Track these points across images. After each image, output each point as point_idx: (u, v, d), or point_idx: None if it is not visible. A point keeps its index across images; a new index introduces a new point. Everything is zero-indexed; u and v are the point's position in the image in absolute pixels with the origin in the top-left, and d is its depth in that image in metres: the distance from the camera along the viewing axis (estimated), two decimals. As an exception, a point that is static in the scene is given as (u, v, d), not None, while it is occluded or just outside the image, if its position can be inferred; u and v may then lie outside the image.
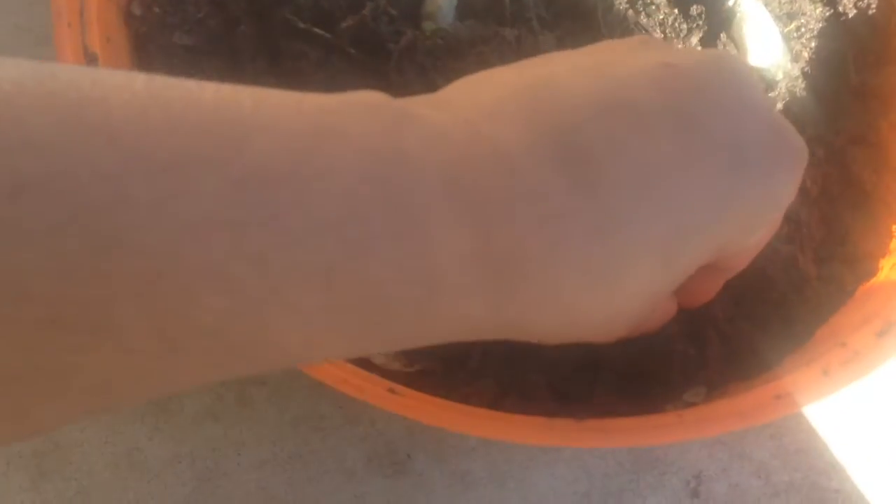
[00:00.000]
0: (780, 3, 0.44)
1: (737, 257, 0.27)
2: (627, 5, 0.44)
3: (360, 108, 0.19)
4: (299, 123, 0.17)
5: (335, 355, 0.20)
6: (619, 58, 0.24)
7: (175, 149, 0.15)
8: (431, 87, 0.40)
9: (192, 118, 0.15)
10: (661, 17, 0.44)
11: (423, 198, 0.18)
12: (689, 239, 0.23)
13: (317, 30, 0.41)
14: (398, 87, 0.40)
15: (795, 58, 0.44)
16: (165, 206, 0.14)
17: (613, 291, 0.22)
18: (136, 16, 0.40)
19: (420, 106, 0.21)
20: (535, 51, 0.42)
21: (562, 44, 0.43)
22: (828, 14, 0.44)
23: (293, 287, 0.16)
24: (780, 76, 0.43)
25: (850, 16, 0.44)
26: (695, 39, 0.44)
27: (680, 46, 0.43)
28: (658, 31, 0.43)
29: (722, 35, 0.43)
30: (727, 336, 0.39)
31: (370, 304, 0.18)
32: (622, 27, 0.43)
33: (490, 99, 0.22)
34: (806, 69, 0.44)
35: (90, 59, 0.35)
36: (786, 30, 0.44)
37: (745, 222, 0.24)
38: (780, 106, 0.43)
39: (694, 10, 0.44)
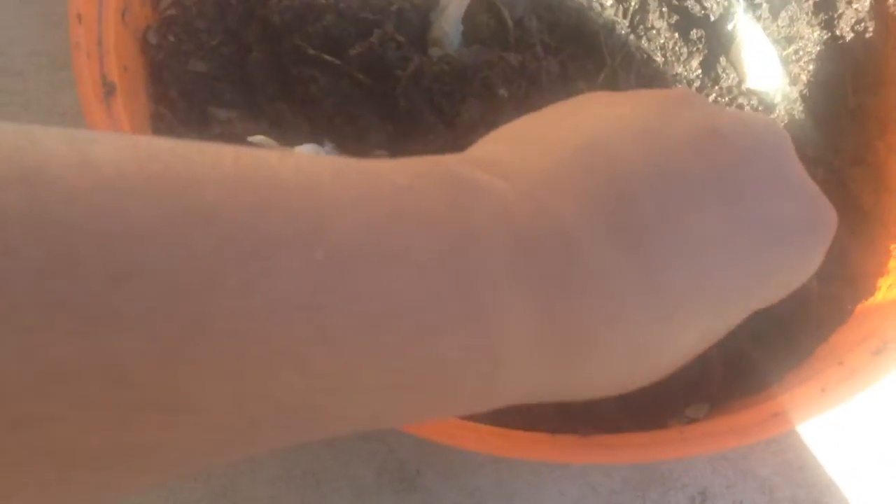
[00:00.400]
0: (778, 26, 0.45)
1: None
2: (629, 30, 0.45)
3: (429, 182, 0.19)
4: (376, 206, 0.18)
5: (398, 424, 0.21)
6: (665, 118, 0.25)
7: (262, 233, 0.15)
8: (438, 112, 0.42)
9: (276, 201, 0.16)
10: (662, 41, 0.45)
11: (490, 277, 0.19)
12: (733, 307, 0.24)
13: (326, 56, 0.42)
14: (406, 111, 0.41)
15: (794, 81, 0.45)
16: (252, 289, 0.15)
17: (664, 359, 0.23)
18: (153, 44, 0.41)
19: (477, 170, 0.21)
20: (538, 75, 0.43)
21: (565, 68, 0.44)
22: (825, 37, 0.45)
23: (366, 367, 0.17)
24: (778, 99, 0.44)
25: (848, 39, 0.45)
26: (695, 63, 0.45)
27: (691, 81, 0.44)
28: (659, 54, 0.45)
29: (721, 59, 0.44)
30: (729, 353, 0.40)
31: (437, 380, 0.18)
32: (624, 52, 0.45)
33: (545, 164, 0.23)
34: (804, 92, 0.45)
35: (109, 89, 0.36)
36: (784, 53, 0.45)
37: (782, 287, 0.26)
38: (779, 127, 0.44)
39: (694, 34, 0.45)
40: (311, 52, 0.42)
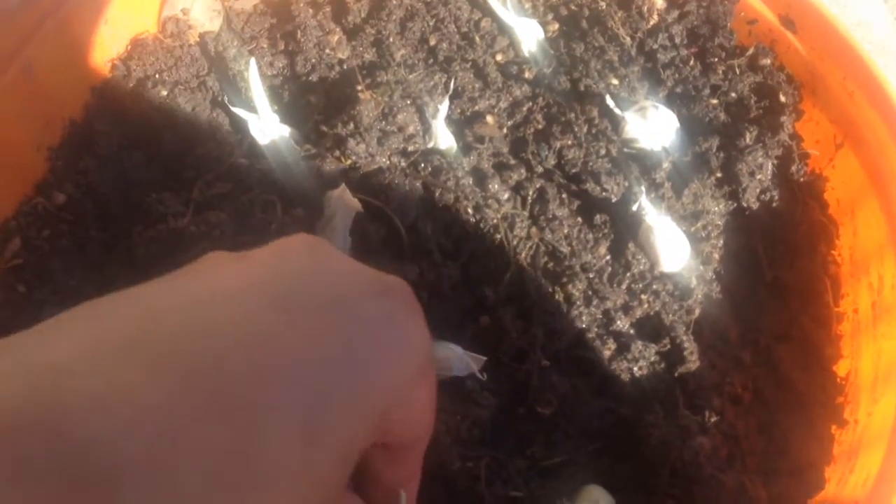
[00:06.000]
0: (683, 204, 0.43)
1: (405, 425, 0.25)
2: (530, 221, 0.42)
3: None
4: None
5: None
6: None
7: None
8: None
9: None
10: (566, 230, 0.42)
11: None
12: (326, 406, 0.21)
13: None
14: None
15: (706, 260, 0.42)
16: None
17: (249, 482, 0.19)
18: (-3, 300, 0.36)
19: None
20: (439, 284, 0.39)
21: (467, 272, 0.41)
22: (732, 208, 0.43)
23: None
24: (694, 282, 0.41)
25: (755, 209, 0.43)
26: (602, 249, 0.42)
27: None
28: (564, 244, 0.42)
29: (630, 244, 0.41)
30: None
31: None
32: (527, 245, 0.41)
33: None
34: (719, 269, 0.42)
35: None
36: (692, 229, 0.43)
37: (386, 377, 0.23)
38: (697, 311, 0.41)
39: (598, 219, 0.42)
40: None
